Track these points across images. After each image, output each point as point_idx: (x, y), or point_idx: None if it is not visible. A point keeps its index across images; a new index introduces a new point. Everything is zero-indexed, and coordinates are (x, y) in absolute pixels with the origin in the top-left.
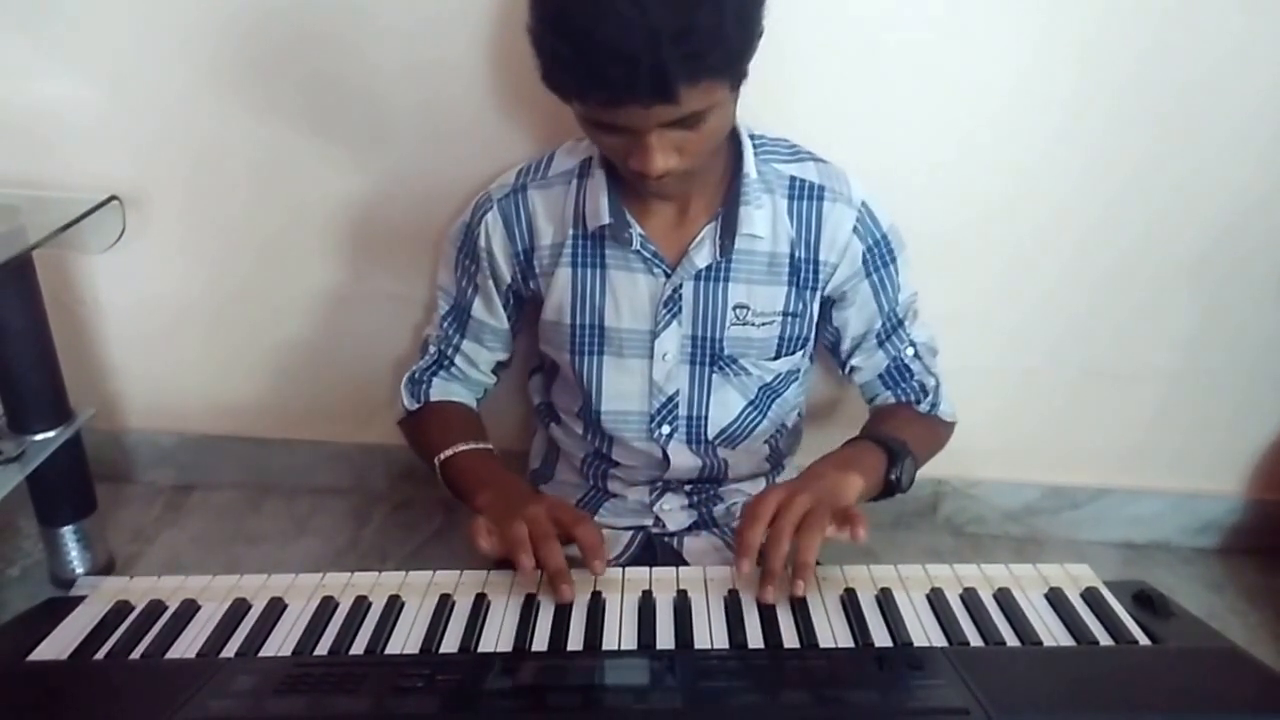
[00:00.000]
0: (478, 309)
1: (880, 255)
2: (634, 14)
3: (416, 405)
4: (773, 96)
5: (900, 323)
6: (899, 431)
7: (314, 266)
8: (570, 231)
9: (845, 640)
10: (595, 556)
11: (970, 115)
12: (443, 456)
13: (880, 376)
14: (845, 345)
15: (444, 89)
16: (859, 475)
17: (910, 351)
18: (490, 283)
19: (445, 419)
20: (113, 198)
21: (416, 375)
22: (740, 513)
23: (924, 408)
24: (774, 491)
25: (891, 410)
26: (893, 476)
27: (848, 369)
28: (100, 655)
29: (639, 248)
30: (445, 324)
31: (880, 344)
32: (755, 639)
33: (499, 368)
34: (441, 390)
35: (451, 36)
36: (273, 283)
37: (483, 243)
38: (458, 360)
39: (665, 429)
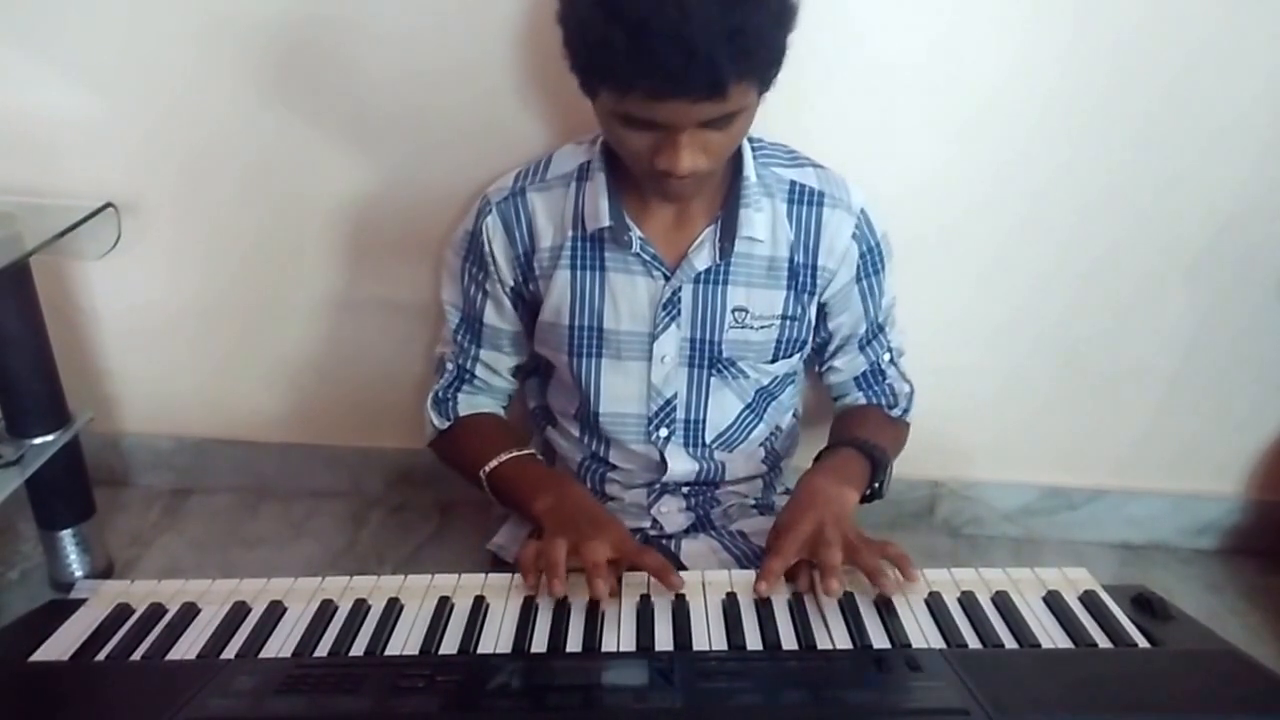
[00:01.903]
0: (490, 315)
1: (873, 262)
2: (693, 6)
3: (447, 424)
4: (770, 100)
5: (881, 328)
6: (876, 438)
7: (310, 271)
8: (569, 234)
9: (844, 643)
10: (668, 573)
11: (967, 119)
12: (489, 468)
13: (856, 379)
14: (830, 347)
15: (440, 96)
16: (852, 489)
17: (887, 357)
18: (499, 287)
19: (481, 431)
20: (108, 205)
21: (440, 394)
22: (768, 545)
23: (896, 413)
24: (799, 526)
25: (863, 413)
26: (875, 485)
27: (825, 368)
28: (101, 656)
29: (638, 250)
30: (459, 337)
31: (861, 348)
32: (754, 641)
33: (518, 372)
34: (469, 404)
35: (448, 41)
36: (269, 287)
37: (486, 246)
38: (478, 371)
39: (663, 432)
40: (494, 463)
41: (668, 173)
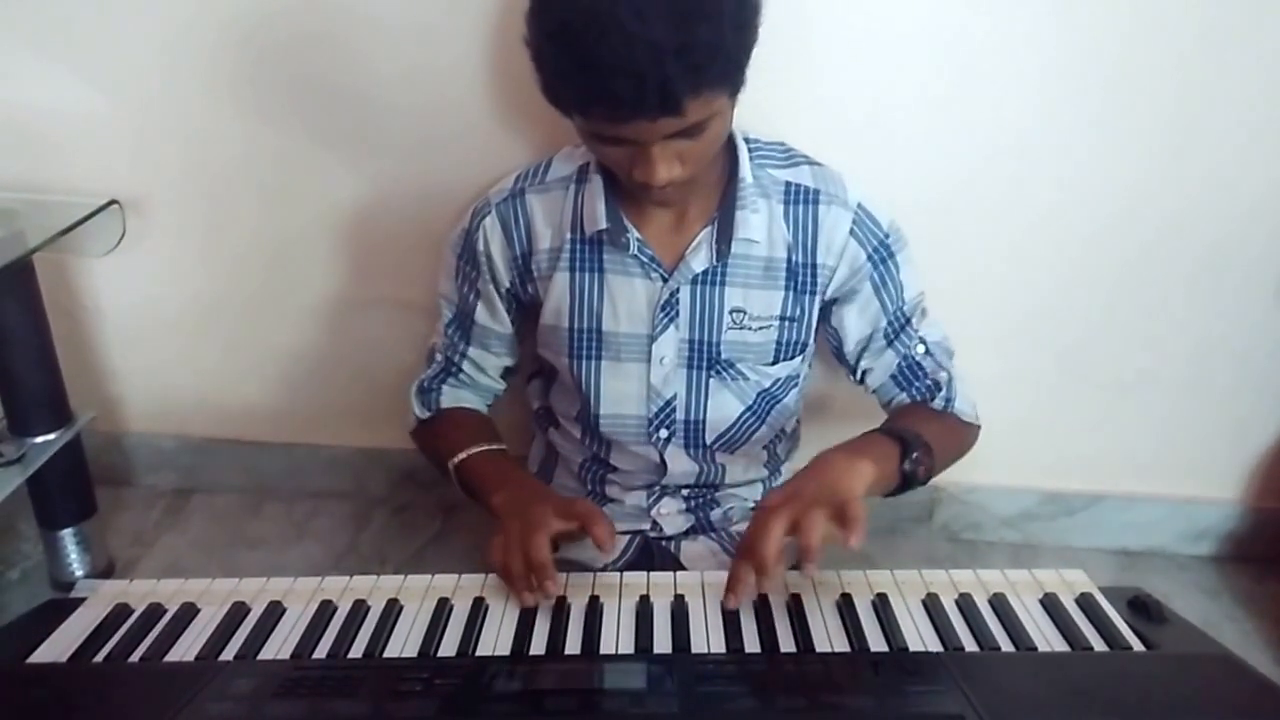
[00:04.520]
0: (481, 315)
1: (880, 255)
2: (637, 28)
3: (428, 414)
4: (770, 94)
5: (908, 320)
6: (914, 426)
7: (314, 270)
8: (568, 236)
9: (842, 645)
10: (594, 524)
11: (971, 122)
12: (456, 460)
13: (893, 376)
14: (851, 348)
15: (443, 94)
16: (870, 462)
17: (920, 349)
18: (491, 288)
19: (457, 424)
20: (113, 202)
21: (425, 384)
22: (745, 536)
23: (938, 404)
24: (779, 499)
25: (908, 409)
26: (906, 466)
27: (859, 373)
28: (100, 658)
29: (636, 252)
30: (450, 331)
31: (889, 343)
32: (752, 643)
33: (506, 373)
34: (452, 397)
35: (450, 42)
36: (272, 286)
37: (481, 247)
38: (465, 367)
39: (663, 433)
40: (462, 455)
41: (646, 184)
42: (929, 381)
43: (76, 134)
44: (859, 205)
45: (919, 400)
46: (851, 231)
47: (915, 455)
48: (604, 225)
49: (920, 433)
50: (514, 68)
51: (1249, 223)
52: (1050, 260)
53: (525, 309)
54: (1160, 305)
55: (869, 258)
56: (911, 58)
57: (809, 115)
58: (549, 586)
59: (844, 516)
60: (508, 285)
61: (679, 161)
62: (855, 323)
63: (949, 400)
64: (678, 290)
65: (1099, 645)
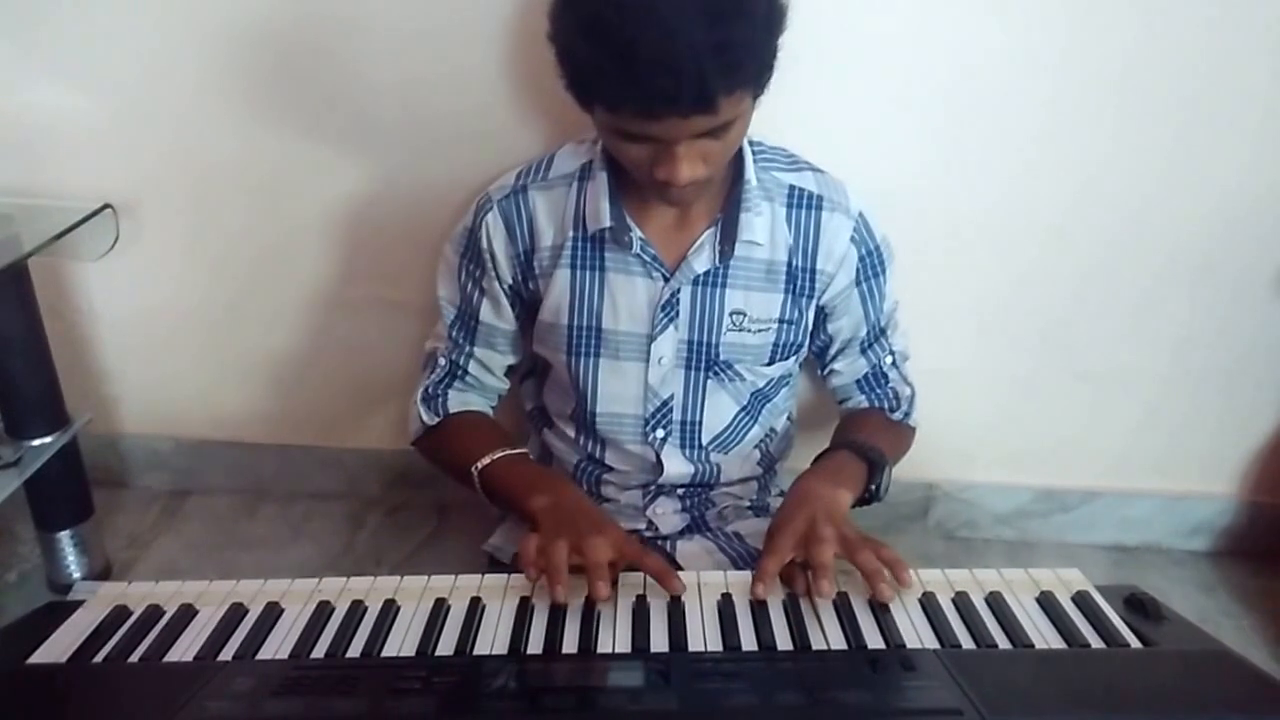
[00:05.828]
0: (486, 313)
1: (872, 265)
2: (677, 24)
3: (436, 420)
4: (771, 98)
5: (883, 331)
6: (874, 439)
7: (308, 272)
8: (570, 233)
9: (838, 643)
10: (669, 577)
11: (961, 118)
12: (481, 464)
13: (858, 382)
14: (831, 350)
15: (437, 94)
16: (847, 491)
17: (889, 360)
18: (496, 284)
19: (472, 428)
20: (106, 206)
21: (430, 390)
22: (765, 540)
23: (897, 416)
24: (793, 522)
25: (864, 416)
26: (873, 487)
27: (827, 371)
28: (99, 659)
29: (639, 251)
30: (454, 333)
31: (863, 351)
32: (749, 642)
33: (510, 372)
34: (459, 401)
35: (446, 42)
36: (267, 288)
37: (485, 244)
38: (471, 368)
39: (659, 433)
40: (487, 459)
41: (668, 182)
42: (890, 390)
43: (70, 138)
44: (860, 214)
45: (875, 407)
46: (852, 239)
47: (881, 477)
48: (607, 224)
49: (882, 449)
50: (509, 66)
51: (1246, 219)
52: (1045, 258)
53: (527, 306)
54: (1154, 300)
55: (862, 267)
56: (913, 63)
57: (809, 120)
58: (601, 589)
59: (886, 559)
60: (510, 282)
61: (702, 161)
62: (840, 328)
63: (907, 414)
64: (679, 290)
65: (1096, 643)
